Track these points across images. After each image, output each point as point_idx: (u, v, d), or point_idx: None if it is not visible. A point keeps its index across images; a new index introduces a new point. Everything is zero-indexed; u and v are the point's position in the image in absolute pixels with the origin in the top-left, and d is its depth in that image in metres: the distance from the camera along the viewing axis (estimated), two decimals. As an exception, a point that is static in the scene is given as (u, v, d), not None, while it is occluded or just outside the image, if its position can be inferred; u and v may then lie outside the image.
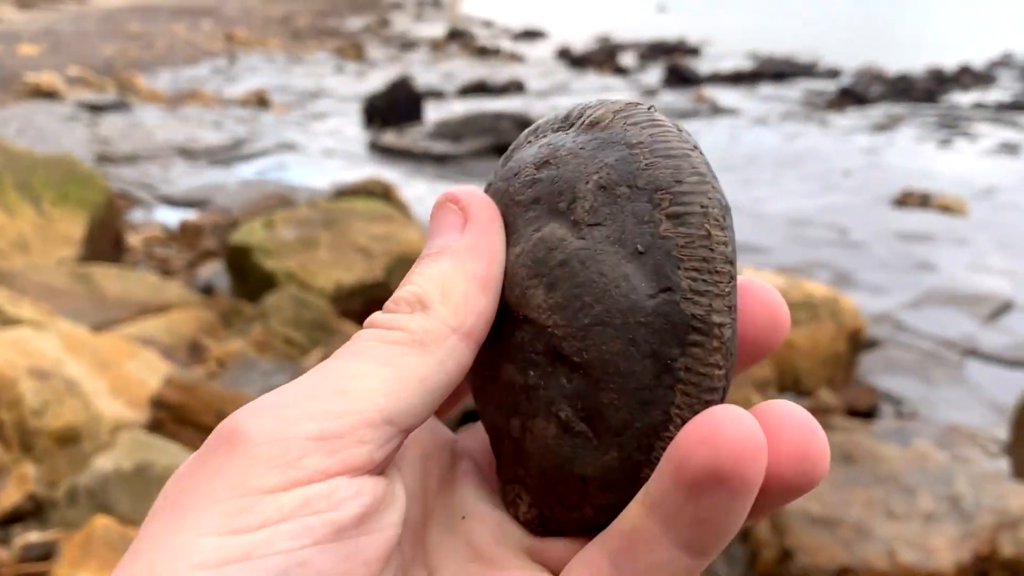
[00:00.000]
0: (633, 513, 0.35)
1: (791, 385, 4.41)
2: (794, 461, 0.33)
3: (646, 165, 0.38)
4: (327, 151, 10.37)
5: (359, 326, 0.40)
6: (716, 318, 0.36)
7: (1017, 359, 4.90)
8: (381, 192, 6.06)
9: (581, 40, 22.13)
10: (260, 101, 13.25)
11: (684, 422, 0.35)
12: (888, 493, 2.82)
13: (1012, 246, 6.77)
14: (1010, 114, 12.13)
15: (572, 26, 27.25)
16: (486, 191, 0.44)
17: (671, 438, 0.35)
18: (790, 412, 0.34)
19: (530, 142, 0.44)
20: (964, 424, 4.13)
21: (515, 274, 0.40)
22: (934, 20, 28.38)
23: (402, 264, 4.60)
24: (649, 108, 0.40)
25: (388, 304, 0.39)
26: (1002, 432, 3.95)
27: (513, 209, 0.41)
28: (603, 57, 18.39)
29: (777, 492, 0.33)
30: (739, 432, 0.31)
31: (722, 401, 0.36)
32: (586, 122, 0.42)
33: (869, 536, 2.65)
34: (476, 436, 0.46)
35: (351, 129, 11.60)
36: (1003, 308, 5.55)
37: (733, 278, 0.36)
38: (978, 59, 16.77)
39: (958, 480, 2.92)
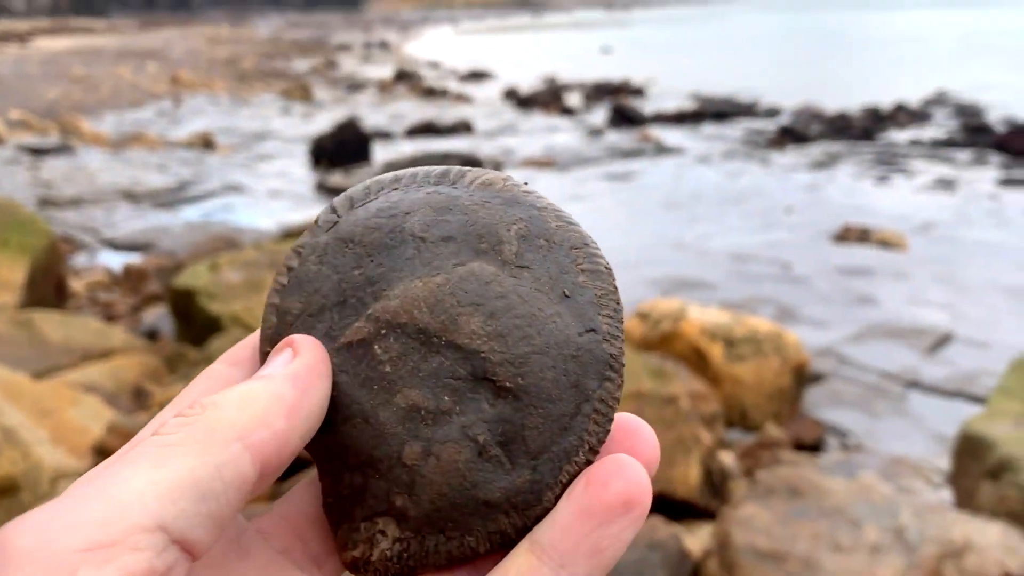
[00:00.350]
0: (521, 560, 0.37)
1: (738, 420, 4.45)
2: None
3: (556, 227, 0.43)
4: (273, 192, 10.33)
5: None
6: (623, 359, 0.41)
7: (957, 390, 5.01)
8: (328, 233, 6.03)
9: (527, 81, 22.38)
10: (206, 143, 13.17)
11: (591, 448, 0.40)
12: (834, 526, 2.85)
13: (950, 279, 6.93)
14: (945, 151, 12.48)
15: (518, 67, 27.55)
16: (333, 225, 0.45)
17: (579, 462, 0.39)
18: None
19: (398, 190, 0.46)
20: (908, 455, 4.20)
21: (439, 301, 0.41)
22: (869, 61, 29.16)
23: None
24: (525, 183, 0.46)
25: (185, 408, 0.37)
26: (944, 462, 4.02)
27: (409, 242, 0.43)
28: (549, 98, 18.60)
29: None
30: (640, 470, 0.38)
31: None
32: (478, 182, 0.45)
33: (816, 570, 2.67)
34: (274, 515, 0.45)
35: (298, 170, 11.57)
36: (943, 340, 5.67)
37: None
38: (913, 98, 17.25)
39: (902, 511, 2.96)
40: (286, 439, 0.37)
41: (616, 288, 0.42)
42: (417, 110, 17.64)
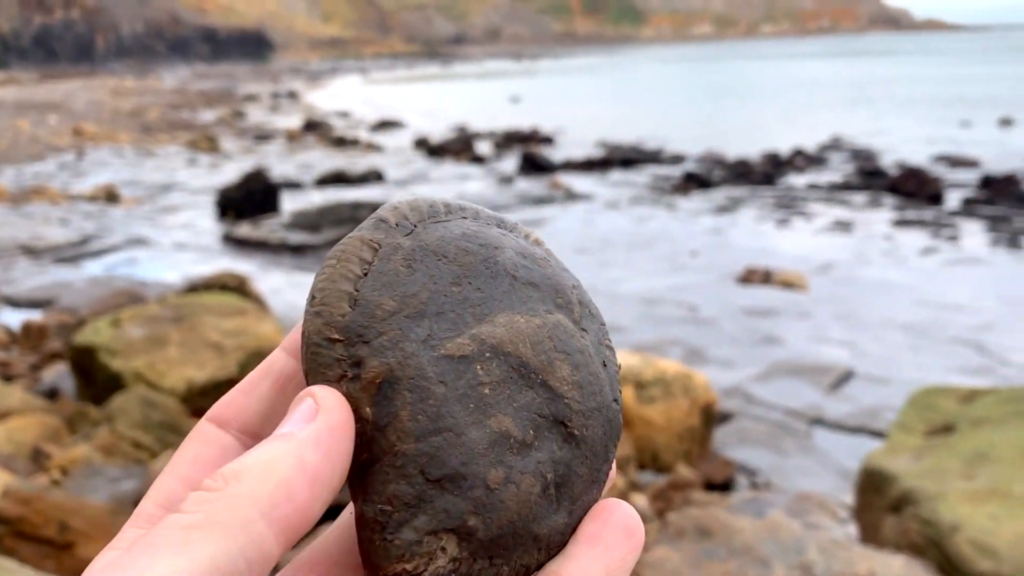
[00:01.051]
0: None
1: (650, 462, 4.50)
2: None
3: (591, 299, 0.48)
4: (179, 245, 10.13)
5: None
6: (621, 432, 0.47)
7: (859, 426, 5.15)
8: (235, 285, 5.94)
9: (438, 130, 22.52)
10: (109, 196, 12.87)
11: (596, 502, 0.44)
12: (743, 565, 2.89)
13: (849, 318, 7.16)
14: (842, 193, 12.95)
15: (429, 116, 27.72)
16: (411, 232, 0.44)
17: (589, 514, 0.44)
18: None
19: (466, 219, 0.47)
20: (814, 491, 4.29)
21: (540, 342, 0.43)
22: (767, 109, 30.19)
23: (257, 359, 4.51)
24: None
25: (206, 480, 0.36)
26: (849, 497, 4.13)
27: (504, 277, 0.44)
28: (460, 146, 18.74)
29: None
30: (631, 508, 0.43)
31: None
32: (532, 238, 0.49)
33: (727, 608, 2.70)
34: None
35: (204, 222, 11.39)
36: (844, 377, 5.85)
37: None
38: (810, 143, 17.90)
39: (809, 548, 3.02)
40: (309, 510, 0.36)
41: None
42: (327, 159, 17.57)
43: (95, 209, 12.04)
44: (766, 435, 5.01)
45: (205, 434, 0.42)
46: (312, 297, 0.41)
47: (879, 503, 3.60)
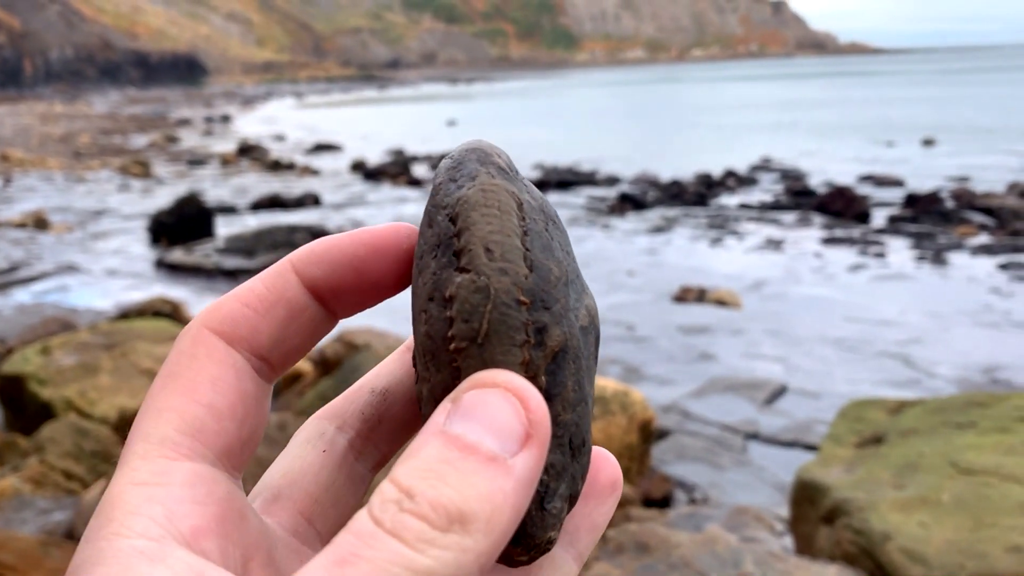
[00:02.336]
0: None
1: (590, 480, 4.52)
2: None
3: None
4: (111, 271, 9.94)
5: None
6: None
7: (793, 439, 5.25)
8: (168, 311, 5.86)
9: (375, 153, 22.47)
10: (38, 222, 12.59)
11: None
12: (681, 578, 2.93)
13: (782, 334, 7.31)
14: (772, 213, 13.21)
15: (366, 140, 27.64)
16: (521, 193, 0.42)
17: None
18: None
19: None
20: (751, 505, 4.36)
21: (595, 316, 0.43)
22: (698, 130, 30.71)
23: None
24: None
25: (408, 503, 0.29)
26: (784, 510, 4.20)
27: (566, 236, 0.44)
28: (397, 169, 18.72)
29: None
30: (614, 459, 0.43)
31: None
32: None
33: (666, 621, 2.73)
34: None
35: (137, 247, 11.20)
36: (778, 392, 5.96)
37: None
38: (741, 164, 18.24)
39: (746, 561, 3.07)
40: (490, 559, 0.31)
41: None
42: (262, 183, 17.42)
43: (23, 236, 11.77)
44: (703, 451, 5.08)
45: (216, 351, 0.37)
46: (488, 250, 0.38)
47: (813, 515, 3.67)
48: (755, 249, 10.84)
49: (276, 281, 0.39)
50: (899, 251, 10.50)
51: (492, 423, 0.31)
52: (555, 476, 0.39)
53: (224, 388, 0.36)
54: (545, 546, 0.38)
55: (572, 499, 0.40)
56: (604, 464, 0.42)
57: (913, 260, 10.03)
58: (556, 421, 0.38)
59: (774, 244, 10.99)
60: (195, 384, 0.36)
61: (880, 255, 10.26)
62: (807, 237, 11.43)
